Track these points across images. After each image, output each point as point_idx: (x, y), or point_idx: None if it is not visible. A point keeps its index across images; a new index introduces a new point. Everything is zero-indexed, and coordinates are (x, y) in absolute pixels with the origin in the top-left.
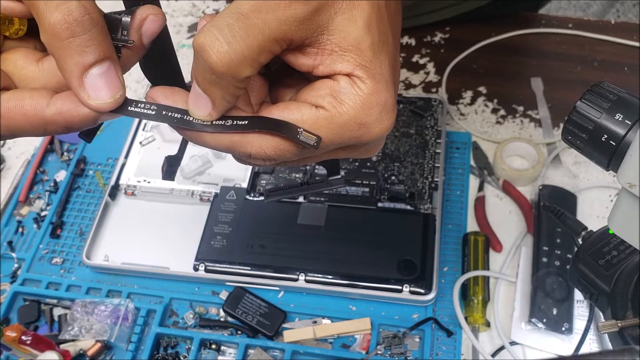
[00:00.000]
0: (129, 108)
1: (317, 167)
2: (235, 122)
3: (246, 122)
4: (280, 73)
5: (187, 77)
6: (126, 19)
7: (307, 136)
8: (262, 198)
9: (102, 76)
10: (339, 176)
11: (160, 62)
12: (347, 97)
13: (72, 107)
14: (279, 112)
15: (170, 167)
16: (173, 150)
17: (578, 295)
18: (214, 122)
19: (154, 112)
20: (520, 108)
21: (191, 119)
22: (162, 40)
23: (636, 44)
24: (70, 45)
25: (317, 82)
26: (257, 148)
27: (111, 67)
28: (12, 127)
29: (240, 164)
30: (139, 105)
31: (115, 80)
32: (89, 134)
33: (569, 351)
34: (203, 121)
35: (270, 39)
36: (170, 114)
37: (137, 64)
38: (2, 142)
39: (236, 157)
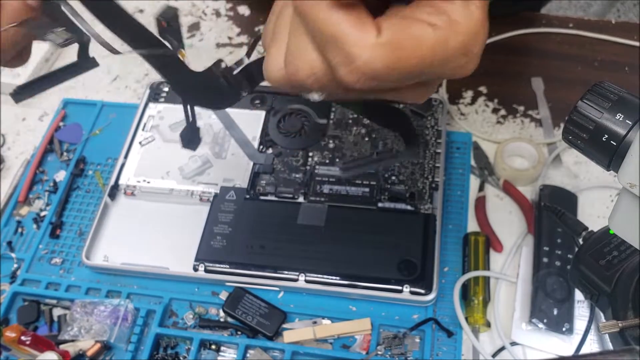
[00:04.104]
0: None
1: (317, 167)
2: None
3: None
4: None
5: None
6: None
7: None
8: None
9: None
10: (415, 145)
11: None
12: (462, 18)
13: None
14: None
15: (191, 138)
16: (173, 150)
17: (579, 295)
18: None
19: None
20: (521, 108)
21: None
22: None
23: (636, 43)
24: None
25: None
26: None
27: None
28: None
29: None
30: None
31: None
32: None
33: (569, 351)
34: None
35: None
36: None
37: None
38: (2, 141)
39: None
